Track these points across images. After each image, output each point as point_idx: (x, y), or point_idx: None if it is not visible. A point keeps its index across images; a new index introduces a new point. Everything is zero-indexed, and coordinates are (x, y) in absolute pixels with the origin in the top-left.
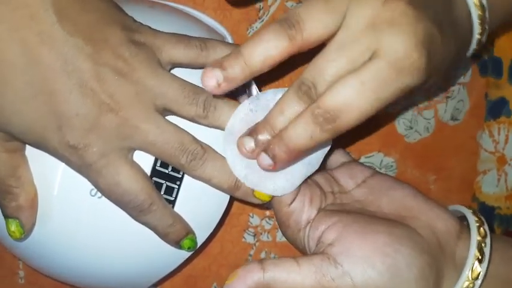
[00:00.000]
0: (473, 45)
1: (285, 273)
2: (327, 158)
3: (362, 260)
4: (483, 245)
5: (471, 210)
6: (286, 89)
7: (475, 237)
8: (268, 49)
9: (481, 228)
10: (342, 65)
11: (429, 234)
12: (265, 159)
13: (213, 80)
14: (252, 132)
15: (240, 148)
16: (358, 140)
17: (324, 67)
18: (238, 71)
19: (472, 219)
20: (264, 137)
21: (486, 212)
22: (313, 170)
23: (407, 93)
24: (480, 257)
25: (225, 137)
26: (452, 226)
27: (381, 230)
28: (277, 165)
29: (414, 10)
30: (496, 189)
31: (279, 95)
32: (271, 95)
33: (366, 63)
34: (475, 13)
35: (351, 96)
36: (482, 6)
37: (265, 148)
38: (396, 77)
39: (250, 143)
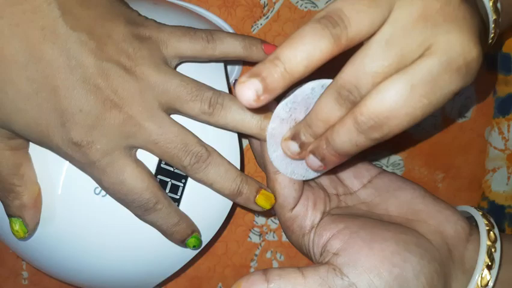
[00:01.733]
0: (491, 16)
1: (290, 285)
2: None
3: (369, 271)
4: (493, 250)
5: (481, 213)
6: (323, 81)
7: (485, 242)
8: (310, 52)
9: (491, 233)
10: (390, 64)
11: (438, 239)
12: (315, 162)
13: (251, 92)
14: (295, 136)
15: (286, 152)
16: None
17: (369, 67)
18: (278, 79)
19: (482, 223)
20: (308, 139)
21: (496, 211)
22: None
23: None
24: (490, 263)
25: (268, 140)
26: (461, 229)
27: (388, 237)
28: (328, 166)
29: (468, 4)
30: (506, 188)
31: (318, 90)
32: (309, 90)
33: (416, 62)
34: (491, 17)
35: (399, 101)
36: (496, 11)
37: (313, 150)
38: (451, 78)
39: (294, 147)
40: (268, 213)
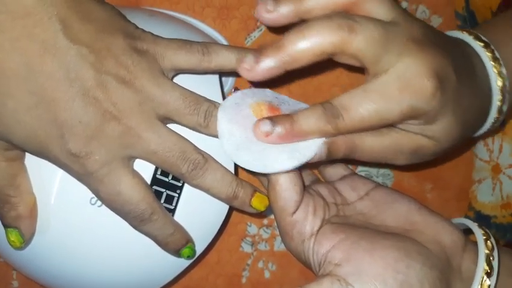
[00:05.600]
0: (494, 113)
1: None
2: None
3: (374, 279)
4: (491, 258)
5: (476, 224)
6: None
7: (483, 251)
8: None
9: (488, 242)
10: None
11: (436, 248)
12: (266, 125)
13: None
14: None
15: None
16: None
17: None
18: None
19: (479, 233)
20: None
21: (482, 221)
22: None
23: (421, 117)
24: (489, 271)
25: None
26: (458, 239)
27: (389, 245)
28: (273, 136)
29: (431, 47)
30: (492, 198)
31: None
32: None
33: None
34: (495, 81)
35: (352, 99)
36: (500, 74)
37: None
38: (400, 93)
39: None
40: (261, 216)
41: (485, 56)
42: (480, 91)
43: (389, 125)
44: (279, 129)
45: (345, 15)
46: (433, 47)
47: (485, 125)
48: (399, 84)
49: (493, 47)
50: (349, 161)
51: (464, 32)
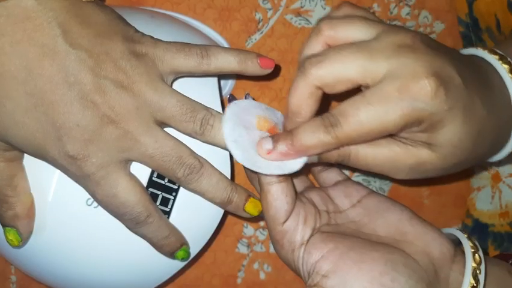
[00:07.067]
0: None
1: None
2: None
3: None
4: (478, 272)
5: (466, 235)
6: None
7: (470, 264)
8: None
9: (476, 255)
10: None
11: (424, 260)
12: (268, 143)
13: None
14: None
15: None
16: None
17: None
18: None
19: (468, 246)
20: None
21: (480, 229)
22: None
23: (424, 121)
24: (475, 285)
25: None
26: (447, 250)
27: (377, 257)
28: (275, 153)
29: (427, 49)
30: (490, 207)
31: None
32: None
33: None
34: None
35: (351, 105)
36: None
37: (276, 137)
38: (399, 94)
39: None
40: (257, 220)
41: (501, 68)
42: (497, 105)
43: (392, 134)
44: (281, 146)
45: None
46: (429, 50)
47: (505, 149)
48: (397, 86)
49: (510, 60)
50: (348, 166)
51: (479, 48)
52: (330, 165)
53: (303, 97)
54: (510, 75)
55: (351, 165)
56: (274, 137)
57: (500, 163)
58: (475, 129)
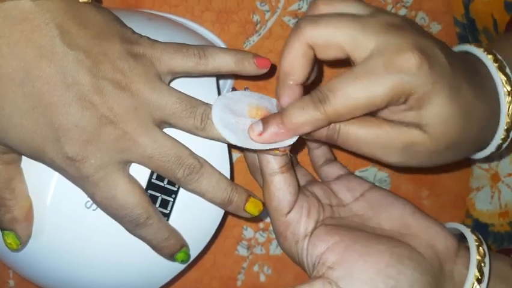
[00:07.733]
0: (500, 133)
1: None
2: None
3: (365, 283)
4: (482, 264)
5: (469, 229)
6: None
7: (475, 257)
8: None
9: (480, 248)
10: None
11: (429, 253)
12: (258, 126)
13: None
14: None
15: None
16: (352, 154)
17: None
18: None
19: (472, 239)
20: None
21: (480, 229)
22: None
23: (411, 95)
24: (480, 277)
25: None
26: (451, 244)
27: (382, 249)
28: (266, 133)
29: (413, 31)
30: (490, 207)
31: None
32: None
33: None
34: (504, 99)
35: (339, 81)
36: (509, 81)
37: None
38: (385, 68)
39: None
40: (257, 221)
41: (486, 58)
42: (485, 93)
43: (380, 109)
44: (272, 126)
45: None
46: (415, 31)
47: (494, 141)
48: (384, 60)
49: (494, 51)
50: (346, 163)
51: (466, 44)
52: (322, 143)
53: (296, 56)
54: (495, 64)
55: (343, 145)
56: (264, 119)
57: (501, 156)
58: (463, 109)
